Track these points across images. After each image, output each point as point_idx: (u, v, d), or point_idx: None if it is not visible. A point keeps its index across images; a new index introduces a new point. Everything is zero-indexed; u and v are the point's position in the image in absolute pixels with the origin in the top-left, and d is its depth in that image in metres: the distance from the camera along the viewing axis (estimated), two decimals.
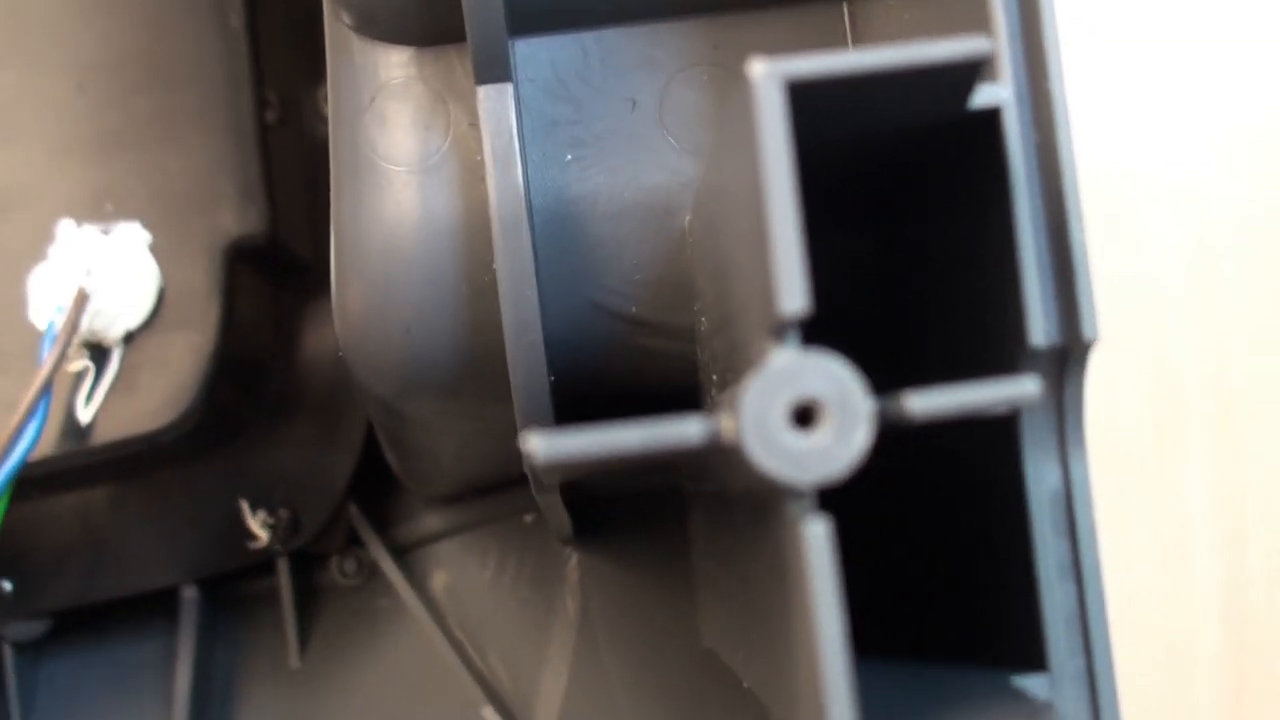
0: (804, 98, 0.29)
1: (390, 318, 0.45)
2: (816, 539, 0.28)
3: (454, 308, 0.44)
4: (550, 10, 0.43)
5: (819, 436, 0.28)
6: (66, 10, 0.59)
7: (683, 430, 0.29)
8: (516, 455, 0.52)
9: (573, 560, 0.61)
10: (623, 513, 0.59)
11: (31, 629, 0.64)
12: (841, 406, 0.28)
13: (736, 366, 0.35)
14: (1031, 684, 0.34)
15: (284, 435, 0.63)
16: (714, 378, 0.41)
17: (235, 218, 0.58)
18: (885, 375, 0.31)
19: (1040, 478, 0.33)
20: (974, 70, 0.30)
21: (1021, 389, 0.29)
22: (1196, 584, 0.65)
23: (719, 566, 0.47)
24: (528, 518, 0.62)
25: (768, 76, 0.28)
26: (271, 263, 0.61)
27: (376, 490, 0.65)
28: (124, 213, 0.58)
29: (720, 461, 0.33)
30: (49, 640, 0.64)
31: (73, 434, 0.57)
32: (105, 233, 0.58)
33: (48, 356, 0.54)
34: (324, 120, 0.64)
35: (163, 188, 0.58)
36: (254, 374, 0.62)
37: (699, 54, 0.44)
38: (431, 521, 0.64)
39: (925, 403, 0.29)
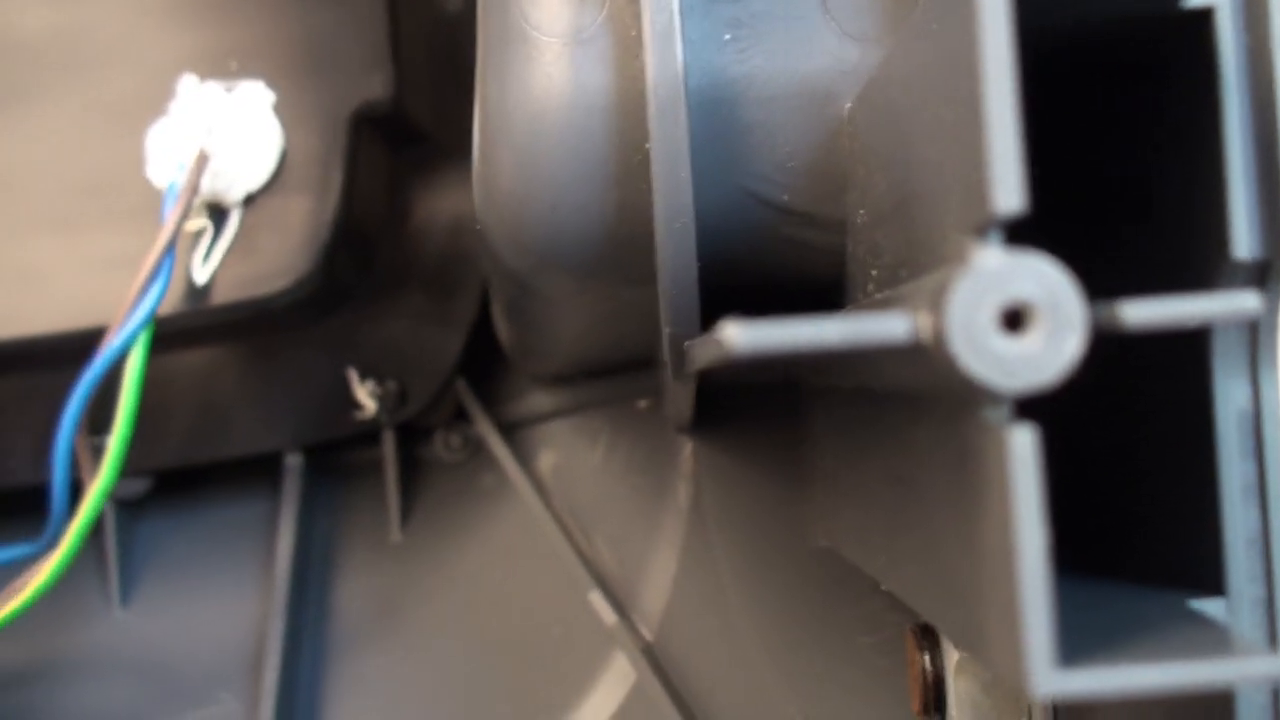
0: None
1: (535, 192, 0.43)
2: (1023, 448, 0.27)
3: (601, 186, 0.43)
4: None
5: (1029, 342, 0.27)
6: None
7: (889, 327, 0.28)
8: (638, 339, 0.51)
9: (687, 449, 0.60)
10: (740, 404, 0.57)
11: (134, 487, 0.64)
12: (1054, 312, 0.27)
13: (918, 263, 0.34)
14: (1209, 607, 0.33)
15: (394, 307, 0.63)
16: (872, 273, 0.40)
17: (362, 83, 0.57)
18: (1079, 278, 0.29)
19: (1229, 397, 0.32)
20: None
21: (1241, 304, 0.28)
22: None
23: (849, 466, 0.46)
24: (641, 403, 0.61)
25: None
26: (392, 130, 0.60)
27: (485, 367, 0.64)
28: (248, 71, 0.57)
29: (895, 361, 0.31)
30: (151, 499, 0.64)
31: (189, 295, 0.57)
32: (228, 90, 0.57)
33: (170, 215, 0.53)
34: None
35: (289, 48, 0.57)
36: (367, 243, 0.61)
37: None
38: (541, 400, 0.64)
39: (1140, 312, 0.27)
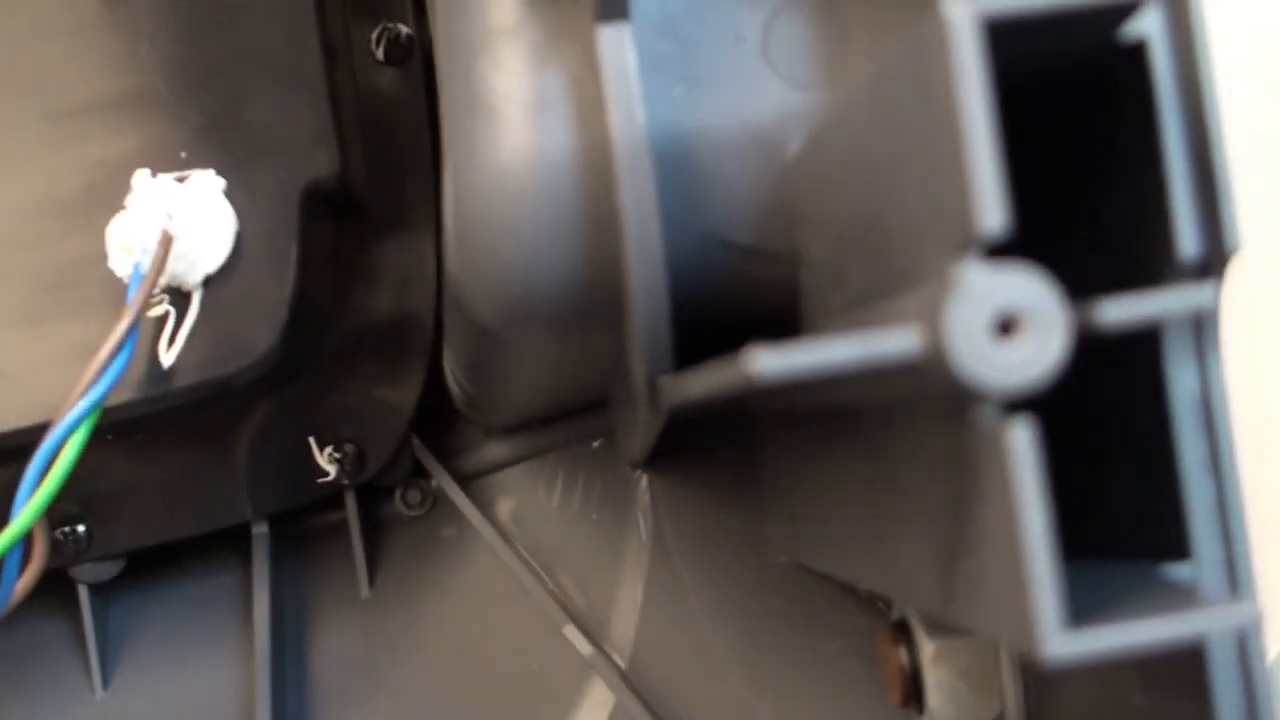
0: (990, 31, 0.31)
1: (508, 251, 0.46)
2: (1022, 442, 0.31)
3: (571, 241, 0.46)
4: None
5: (1020, 346, 0.31)
6: None
7: (897, 343, 0.31)
8: (594, 385, 0.55)
9: (643, 483, 0.63)
10: (691, 435, 0.61)
11: (105, 570, 0.65)
12: (1040, 318, 0.31)
13: (891, 286, 0.37)
14: (1177, 571, 0.36)
15: (346, 373, 0.65)
16: (834, 300, 0.43)
17: (307, 162, 0.60)
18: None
19: (1181, 382, 0.36)
20: (1130, 9, 0.33)
21: (1202, 297, 0.31)
22: None
23: (814, 482, 0.50)
24: (595, 443, 0.65)
25: (964, 16, 0.31)
26: (336, 204, 0.62)
27: (436, 424, 0.67)
28: (197, 161, 0.60)
29: (886, 379, 0.35)
30: (122, 580, 0.66)
31: (155, 378, 0.59)
32: (180, 181, 0.59)
33: (136, 294, 0.55)
34: (376, 62, 0.65)
35: (235, 134, 0.60)
36: (318, 313, 0.63)
37: None
38: (494, 451, 0.66)
39: (1118, 312, 0.31)
